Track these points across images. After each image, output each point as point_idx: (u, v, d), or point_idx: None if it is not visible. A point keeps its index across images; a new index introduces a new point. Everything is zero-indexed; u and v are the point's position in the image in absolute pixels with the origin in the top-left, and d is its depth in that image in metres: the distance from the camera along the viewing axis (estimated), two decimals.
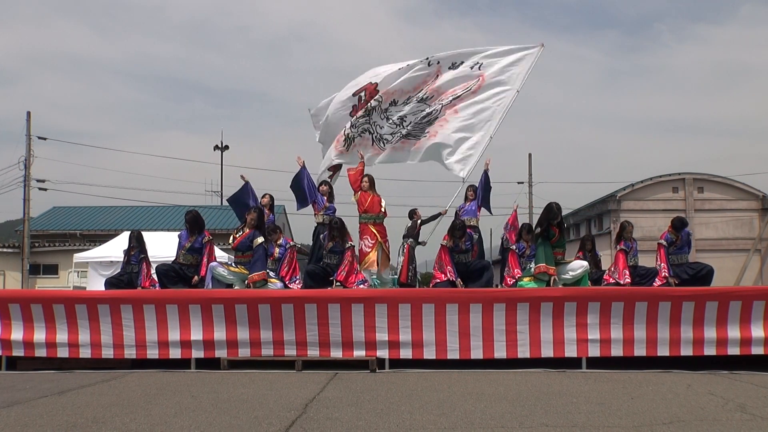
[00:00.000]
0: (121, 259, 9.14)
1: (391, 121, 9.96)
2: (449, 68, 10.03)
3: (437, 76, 10.02)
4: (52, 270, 29.96)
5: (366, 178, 9.39)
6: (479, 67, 9.97)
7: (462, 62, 10.05)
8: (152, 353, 7.40)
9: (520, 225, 9.63)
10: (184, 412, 4.98)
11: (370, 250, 9.09)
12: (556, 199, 8.59)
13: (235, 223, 9.59)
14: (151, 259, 8.84)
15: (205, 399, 5.52)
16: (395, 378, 6.73)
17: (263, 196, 9.75)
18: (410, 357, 7.30)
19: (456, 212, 10.09)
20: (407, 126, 9.95)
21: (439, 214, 10.16)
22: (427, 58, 10.04)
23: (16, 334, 7.49)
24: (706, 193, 32.04)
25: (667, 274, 8.48)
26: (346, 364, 7.33)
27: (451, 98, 9.88)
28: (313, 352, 7.36)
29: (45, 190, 30.79)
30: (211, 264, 8.38)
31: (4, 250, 30.32)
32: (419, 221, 10.52)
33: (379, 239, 9.19)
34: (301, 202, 9.55)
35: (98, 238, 28.64)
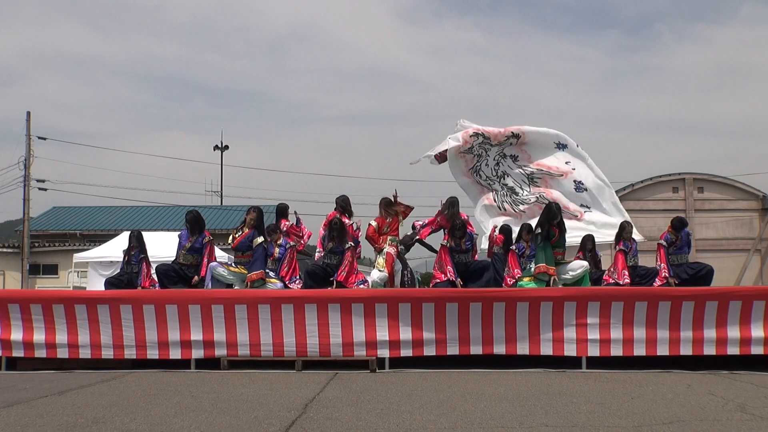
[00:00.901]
0: (121, 259, 9.14)
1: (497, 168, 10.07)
2: (575, 187, 10.01)
3: (562, 176, 10.04)
4: (52, 270, 29.93)
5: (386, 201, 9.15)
6: (587, 206, 9.99)
7: (585, 190, 10.03)
8: (152, 353, 7.40)
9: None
10: (184, 412, 4.98)
11: (394, 256, 8.89)
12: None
13: (235, 224, 9.60)
14: (151, 259, 8.82)
15: (205, 399, 5.52)
16: (395, 378, 6.73)
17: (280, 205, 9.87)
18: (410, 355, 7.30)
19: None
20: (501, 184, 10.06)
21: (435, 250, 9.97)
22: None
23: (16, 335, 7.48)
24: (706, 193, 31.96)
25: (667, 274, 8.47)
26: (346, 364, 7.33)
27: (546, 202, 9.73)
28: (313, 352, 7.36)
29: (45, 190, 30.85)
30: (211, 264, 8.37)
31: (4, 250, 30.31)
32: (417, 237, 10.43)
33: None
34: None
35: (98, 238, 28.61)
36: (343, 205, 9.20)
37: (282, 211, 9.85)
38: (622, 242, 8.92)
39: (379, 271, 8.58)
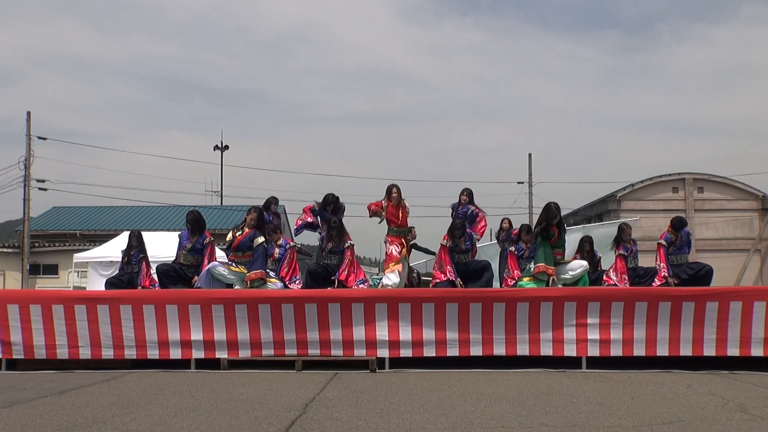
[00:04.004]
0: (120, 259, 9.14)
1: None
2: None
3: None
4: (52, 270, 29.96)
5: (395, 189, 8.65)
6: None
7: None
8: (152, 353, 7.39)
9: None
10: (184, 412, 4.98)
11: (399, 255, 8.53)
12: (556, 199, 8.58)
13: (235, 224, 9.59)
14: (151, 259, 8.83)
15: (205, 399, 5.52)
16: (395, 378, 6.73)
17: (269, 202, 9.84)
18: (410, 355, 7.31)
19: (452, 213, 9.94)
20: None
21: (432, 253, 9.90)
22: None
23: (16, 336, 7.46)
24: (706, 193, 32.04)
25: (666, 274, 8.47)
26: (346, 364, 7.33)
27: None
28: (314, 352, 7.36)
29: (45, 190, 30.87)
30: (212, 263, 8.35)
31: (4, 250, 30.32)
32: (411, 241, 10.45)
33: (405, 249, 8.73)
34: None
35: (98, 238, 28.64)
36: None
37: (267, 205, 9.76)
38: (622, 246, 8.92)
39: (389, 278, 8.36)
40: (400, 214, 8.61)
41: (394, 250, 8.54)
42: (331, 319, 7.33)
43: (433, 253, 9.68)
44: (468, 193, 9.95)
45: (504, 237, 10.60)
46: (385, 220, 8.64)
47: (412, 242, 10.41)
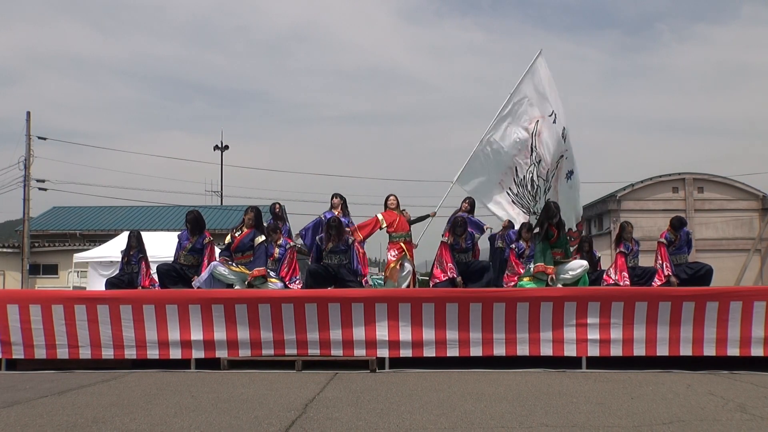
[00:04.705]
0: (120, 260, 9.15)
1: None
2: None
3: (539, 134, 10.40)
4: (52, 270, 29.95)
5: (393, 198, 9.40)
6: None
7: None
8: (152, 353, 7.40)
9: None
10: (184, 412, 4.98)
11: (393, 260, 9.01)
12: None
13: (235, 224, 9.63)
14: (151, 259, 8.83)
15: (205, 399, 5.52)
16: (395, 378, 6.74)
17: (273, 205, 9.90)
18: (410, 356, 7.31)
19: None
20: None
21: (428, 216, 9.94)
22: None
23: (15, 336, 7.47)
24: (706, 193, 32.08)
25: (669, 273, 8.46)
26: (346, 364, 7.33)
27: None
28: (314, 352, 7.36)
29: (45, 190, 30.87)
30: (212, 263, 8.35)
31: (4, 250, 30.33)
32: (407, 221, 10.48)
33: (406, 253, 9.14)
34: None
35: (98, 238, 28.63)
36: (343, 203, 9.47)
37: (275, 213, 9.80)
38: (623, 244, 8.92)
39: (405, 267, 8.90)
40: (398, 221, 9.13)
41: (390, 255, 9.05)
42: (331, 319, 7.33)
43: (427, 216, 9.92)
44: (470, 202, 9.89)
45: (503, 234, 10.57)
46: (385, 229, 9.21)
47: (408, 221, 10.50)
